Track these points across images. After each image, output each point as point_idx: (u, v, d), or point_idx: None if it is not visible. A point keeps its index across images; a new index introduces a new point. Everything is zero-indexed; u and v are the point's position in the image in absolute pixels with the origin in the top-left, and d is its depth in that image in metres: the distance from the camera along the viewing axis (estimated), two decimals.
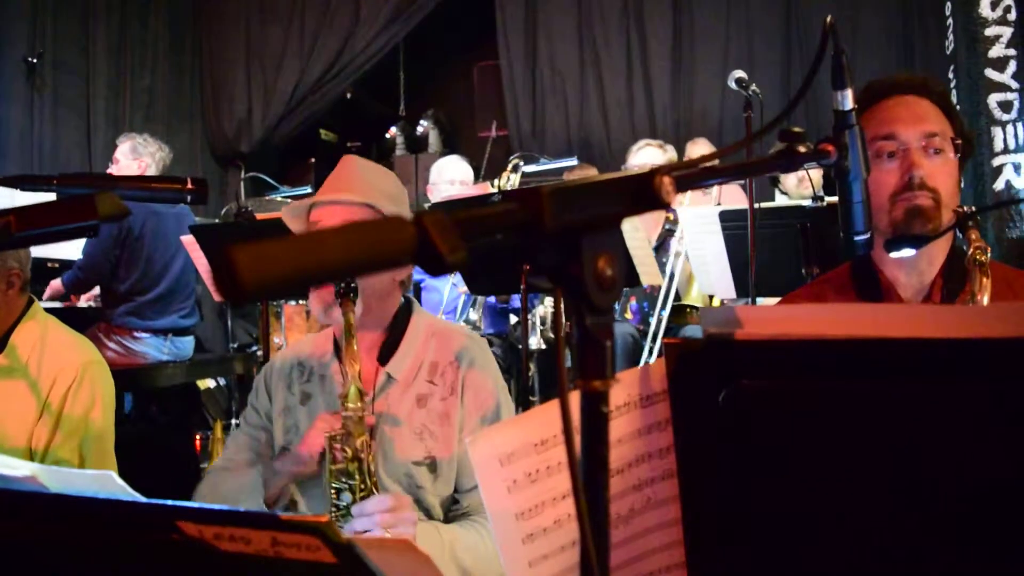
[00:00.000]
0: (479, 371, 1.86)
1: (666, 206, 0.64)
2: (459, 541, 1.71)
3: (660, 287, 4.26)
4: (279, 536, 0.76)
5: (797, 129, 0.96)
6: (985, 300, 1.52)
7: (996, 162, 3.83)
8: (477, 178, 6.27)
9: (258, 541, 0.77)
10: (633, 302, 4.58)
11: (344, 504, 1.68)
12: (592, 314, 0.62)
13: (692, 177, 0.75)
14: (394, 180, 1.94)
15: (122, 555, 0.86)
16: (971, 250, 1.55)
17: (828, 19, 1.07)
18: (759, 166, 0.95)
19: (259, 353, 5.25)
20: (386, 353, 1.88)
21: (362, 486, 1.67)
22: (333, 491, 1.70)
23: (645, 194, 0.63)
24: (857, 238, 1.27)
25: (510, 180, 5.60)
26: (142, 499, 0.86)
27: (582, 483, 0.64)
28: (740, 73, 3.19)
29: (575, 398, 0.66)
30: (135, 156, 4.67)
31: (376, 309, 1.86)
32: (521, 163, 5.09)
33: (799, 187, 4.82)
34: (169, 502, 0.80)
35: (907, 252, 1.61)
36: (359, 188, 1.82)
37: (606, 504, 0.66)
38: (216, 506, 0.78)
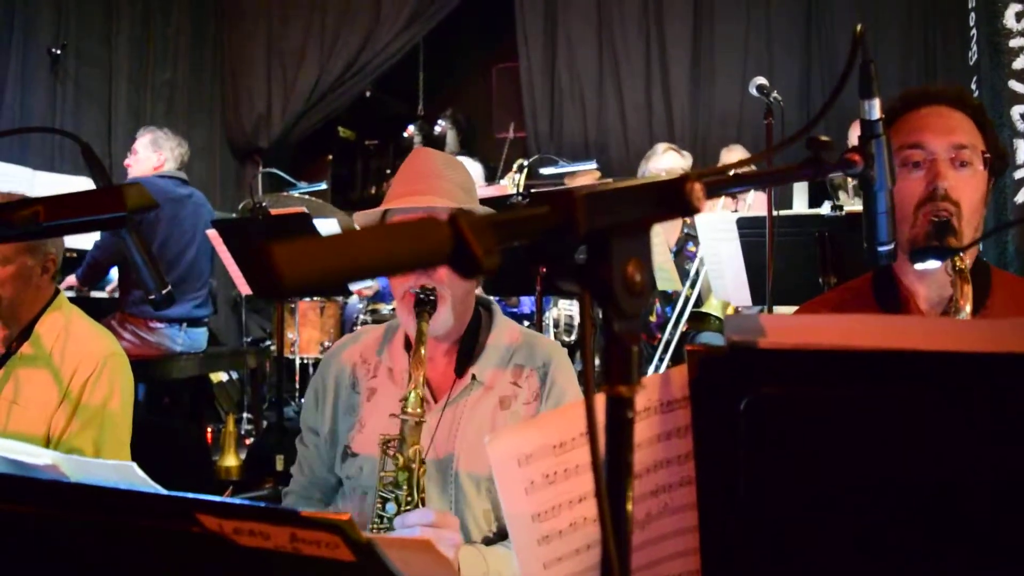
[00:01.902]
0: (564, 381, 1.83)
1: (697, 211, 0.64)
2: (506, 570, 1.66)
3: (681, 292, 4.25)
4: (298, 532, 0.76)
5: (824, 138, 0.96)
6: (968, 308, 1.52)
7: (1018, 175, 3.80)
8: (493, 179, 6.28)
9: (277, 537, 0.77)
10: (657, 305, 4.57)
11: (389, 515, 1.62)
12: (620, 319, 0.62)
13: (722, 184, 0.75)
14: (464, 170, 1.87)
15: (141, 546, 0.87)
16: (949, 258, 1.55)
17: (859, 28, 1.07)
18: (785, 174, 0.95)
19: (272, 348, 5.28)
20: (465, 357, 1.83)
21: (409, 498, 1.61)
22: (379, 500, 1.64)
23: (677, 200, 0.63)
24: (880, 248, 1.27)
25: (515, 180, 5.64)
26: (163, 491, 0.87)
27: (604, 487, 0.63)
28: (761, 80, 3.17)
29: (600, 402, 0.66)
30: (155, 149, 4.71)
31: (461, 312, 1.80)
32: (526, 163, 5.12)
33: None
34: (189, 495, 0.80)
35: (932, 264, 1.60)
36: (443, 189, 1.76)
37: (628, 509, 0.66)
38: (236, 500, 0.79)
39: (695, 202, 0.64)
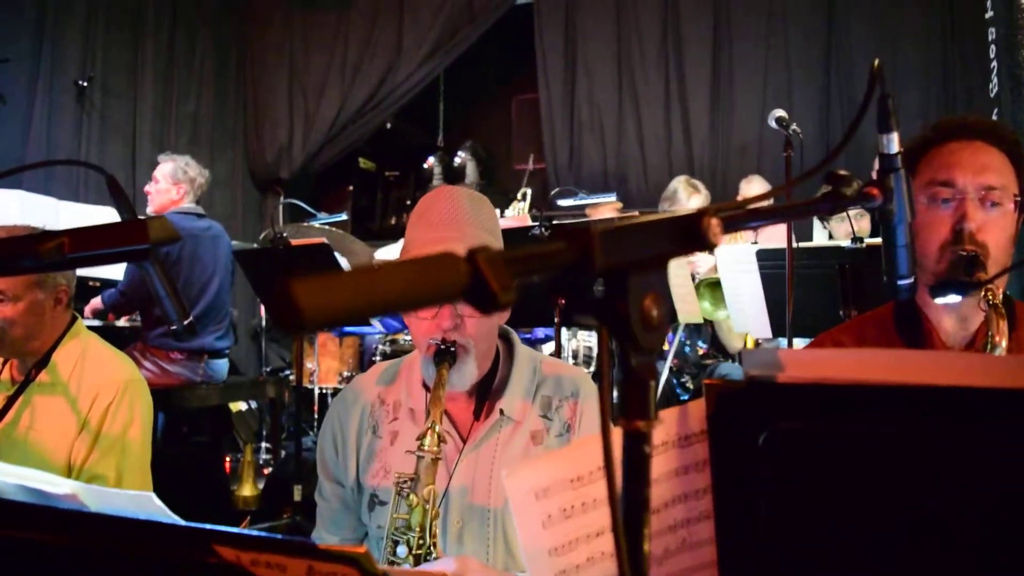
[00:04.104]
0: (594, 410, 1.76)
1: (714, 247, 0.64)
2: None
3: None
4: (315, 565, 0.76)
5: (843, 172, 0.96)
6: (1004, 342, 1.50)
7: None
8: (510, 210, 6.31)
9: (294, 569, 0.77)
10: (669, 334, 4.56)
11: (400, 558, 1.55)
12: (637, 354, 0.62)
13: (739, 218, 0.75)
14: (490, 208, 1.77)
15: None
16: (983, 292, 1.52)
17: (876, 63, 1.07)
18: (804, 208, 0.95)
19: (291, 377, 5.30)
20: (486, 396, 1.76)
21: (420, 541, 1.55)
22: (391, 543, 1.58)
23: (693, 235, 0.64)
24: (900, 282, 1.26)
25: (519, 208, 5.69)
26: (180, 522, 0.87)
27: (621, 522, 0.63)
28: (780, 112, 3.18)
29: (617, 437, 0.66)
30: (174, 182, 4.76)
31: (484, 359, 1.73)
32: (529, 191, 5.16)
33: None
34: (207, 526, 0.81)
35: (952, 299, 1.58)
36: (471, 236, 1.67)
37: (645, 544, 0.66)
38: (253, 532, 0.79)
39: (712, 238, 0.64)
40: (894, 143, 1.16)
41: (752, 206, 0.77)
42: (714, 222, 0.64)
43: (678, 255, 0.65)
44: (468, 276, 0.50)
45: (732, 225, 0.73)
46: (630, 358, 0.62)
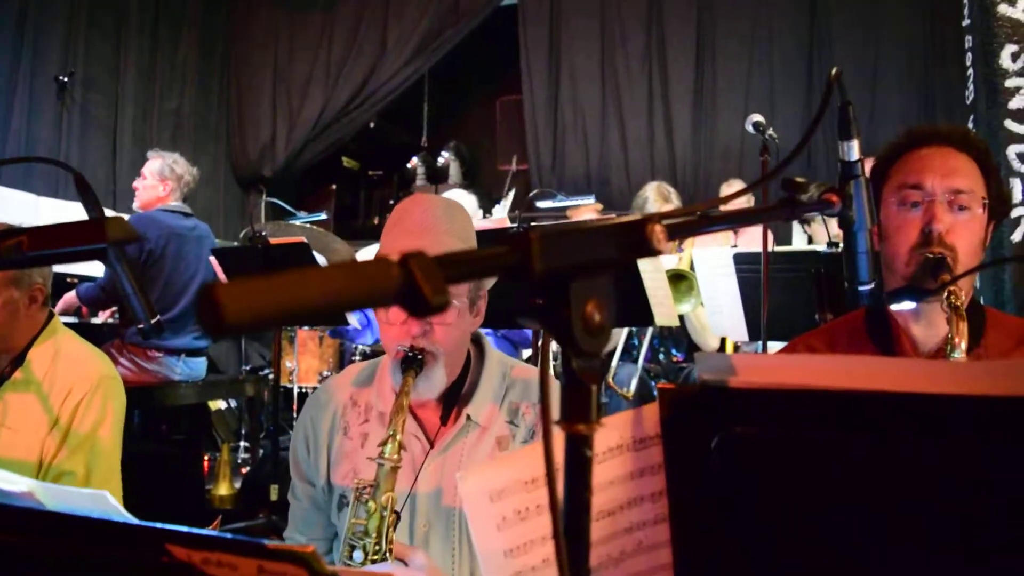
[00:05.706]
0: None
1: (657, 254, 0.65)
2: None
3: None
4: (265, 564, 0.76)
5: (800, 179, 0.97)
6: (963, 345, 1.51)
7: (1015, 213, 3.81)
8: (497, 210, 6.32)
9: (244, 568, 0.77)
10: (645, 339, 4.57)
11: (356, 563, 1.55)
12: (579, 358, 0.62)
13: (688, 226, 0.75)
14: (464, 216, 1.78)
15: (112, 575, 0.87)
16: (944, 294, 1.54)
17: (834, 71, 1.09)
18: (759, 215, 0.95)
19: (271, 376, 5.29)
20: (454, 400, 1.76)
21: (376, 547, 1.54)
22: (347, 548, 1.57)
23: (637, 241, 0.64)
24: (861, 288, 1.27)
25: (504, 205, 5.70)
26: (133, 520, 0.87)
27: (563, 525, 0.64)
28: (757, 117, 3.20)
29: (559, 440, 0.66)
30: (161, 179, 4.74)
31: (454, 364, 1.74)
32: (512, 192, 5.19)
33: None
34: (159, 525, 0.81)
35: (907, 305, 1.60)
36: (441, 244, 1.66)
37: (587, 547, 0.66)
38: (205, 531, 0.79)
39: (655, 244, 0.64)
40: (854, 150, 1.17)
41: (702, 212, 0.78)
42: (658, 229, 0.65)
43: (622, 261, 0.65)
44: (400, 280, 0.50)
45: (680, 232, 0.74)
46: (571, 361, 0.62)
